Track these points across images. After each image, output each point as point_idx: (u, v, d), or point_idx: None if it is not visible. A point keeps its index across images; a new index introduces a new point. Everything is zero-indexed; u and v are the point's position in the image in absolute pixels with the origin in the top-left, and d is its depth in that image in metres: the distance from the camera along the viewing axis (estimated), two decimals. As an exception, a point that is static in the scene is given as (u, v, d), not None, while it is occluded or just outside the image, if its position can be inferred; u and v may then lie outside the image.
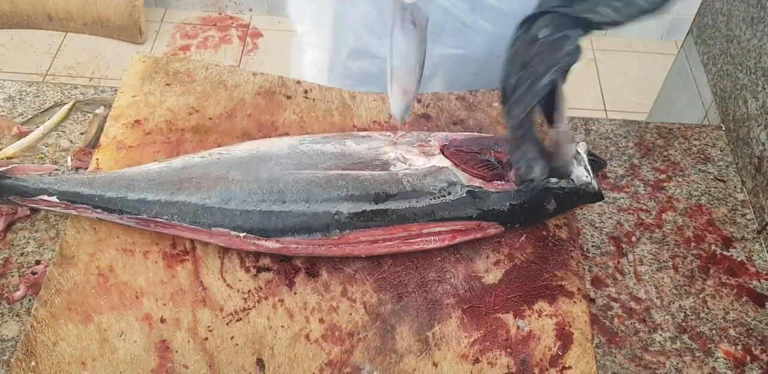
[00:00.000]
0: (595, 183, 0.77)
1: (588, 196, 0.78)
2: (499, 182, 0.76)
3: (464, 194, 0.74)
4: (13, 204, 0.77)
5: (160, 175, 0.76)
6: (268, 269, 0.76)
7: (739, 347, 0.77)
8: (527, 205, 0.76)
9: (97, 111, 0.98)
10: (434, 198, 0.74)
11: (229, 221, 0.73)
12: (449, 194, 0.74)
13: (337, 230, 0.72)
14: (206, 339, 0.71)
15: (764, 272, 0.84)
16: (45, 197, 0.75)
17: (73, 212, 0.76)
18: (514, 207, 0.75)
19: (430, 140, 0.80)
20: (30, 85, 1.01)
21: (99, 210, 0.75)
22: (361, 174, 0.75)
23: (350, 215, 0.73)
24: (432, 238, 0.75)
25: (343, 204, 0.73)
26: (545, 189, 0.75)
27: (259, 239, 0.73)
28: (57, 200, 0.75)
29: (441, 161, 0.77)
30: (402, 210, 0.73)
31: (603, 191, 0.80)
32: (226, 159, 0.77)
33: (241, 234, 0.73)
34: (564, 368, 0.70)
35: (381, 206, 0.73)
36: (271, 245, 0.73)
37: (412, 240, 0.75)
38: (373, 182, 0.74)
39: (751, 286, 0.82)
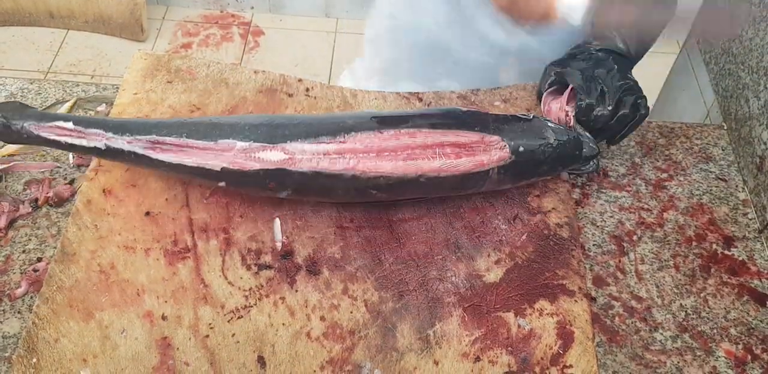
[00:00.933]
0: (589, 136, 0.83)
1: (583, 144, 0.82)
2: (492, 111, 0.82)
3: (464, 114, 0.79)
4: (24, 137, 0.77)
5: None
6: (269, 267, 0.76)
7: (740, 346, 0.77)
8: (525, 126, 0.79)
9: (99, 108, 0.98)
10: (436, 115, 0.78)
11: (236, 132, 0.73)
12: (449, 113, 0.79)
13: (342, 133, 0.73)
14: (207, 336, 0.71)
15: (765, 271, 0.84)
16: (60, 122, 0.75)
17: (84, 141, 0.75)
18: (513, 125, 0.78)
19: None
20: (32, 83, 1.01)
21: (110, 134, 0.74)
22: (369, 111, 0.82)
23: (355, 122, 0.75)
24: (436, 150, 0.74)
25: (348, 117, 0.76)
26: (543, 119, 0.82)
27: (264, 150, 0.72)
28: (72, 126, 0.75)
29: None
30: (405, 119, 0.76)
31: (604, 189, 0.80)
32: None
33: (247, 143, 0.72)
34: (565, 366, 0.70)
35: (386, 115, 0.76)
36: (275, 157, 0.72)
37: (416, 153, 0.73)
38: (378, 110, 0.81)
39: (752, 285, 0.82)
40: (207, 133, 0.74)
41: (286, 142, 0.72)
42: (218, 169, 0.73)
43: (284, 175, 0.72)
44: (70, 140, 0.76)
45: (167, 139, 0.74)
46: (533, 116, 0.81)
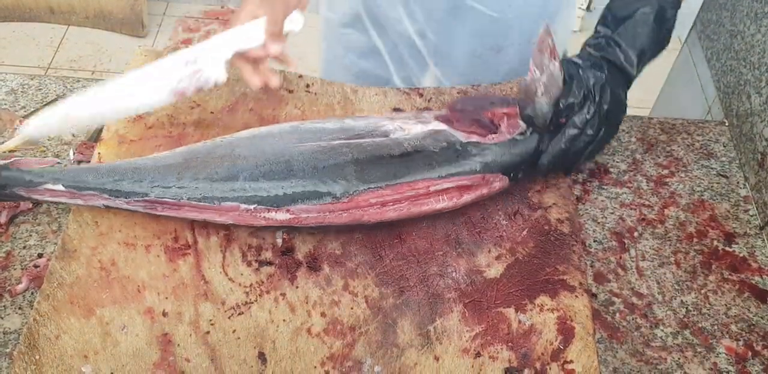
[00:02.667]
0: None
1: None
2: (493, 135, 0.79)
3: (464, 149, 0.77)
4: (17, 198, 0.76)
5: (165, 158, 0.76)
6: (269, 263, 0.76)
7: (741, 342, 0.77)
8: (524, 150, 0.79)
9: (99, 105, 0.98)
10: (436, 155, 0.76)
11: (238, 194, 0.73)
12: (450, 150, 0.77)
13: (346, 193, 0.73)
14: (208, 332, 0.71)
15: (766, 267, 0.84)
16: (50, 185, 0.74)
17: (80, 200, 0.75)
18: (513, 154, 0.79)
19: (425, 115, 0.83)
20: (32, 79, 1.01)
21: (106, 196, 0.74)
22: (364, 141, 0.77)
23: (357, 176, 0.74)
24: (440, 197, 0.76)
25: (349, 167, 0.74)
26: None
27: (269, 211, 0.73)
28: (63, 188, 0.74)
29: (438, 126, 0.80)
30: (407, 168, 0.75)
31: (605, 186, 0.80)
32: (229, 140, 0.78)
33: (251, 206, 0.73)
34: (565, 362, 0.70)
35: (386, 166, 0.75)
36: (281, 216, 0.73)
37: (420, 201, 0.75)
38: (375, 146, 0.76)
39: (753, 282, 0.82)
40: (205, 194, 0.73)
41: (290, 204, 0.73)
42: (225, 223, 0.75)
43: (291, 227, 0.75)
44: (65, 200, 0.75)
45: (166, 199, 0.73)
46: (529, 130, 0.80)
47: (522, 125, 0.81)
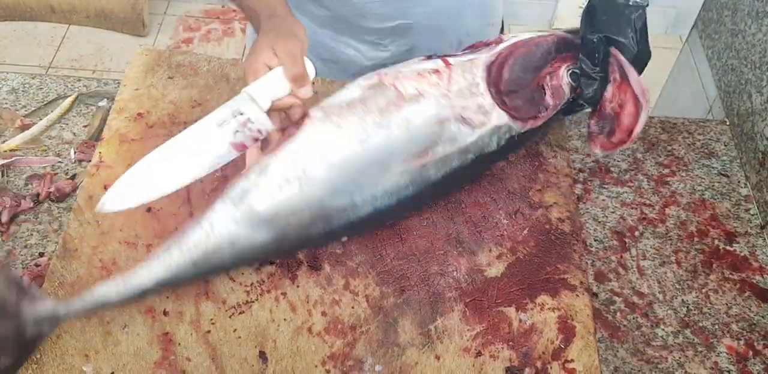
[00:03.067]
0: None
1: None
2: (542, 115, 0.79)
3: (520, 138, 0.79)
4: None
5: (252, 221, 0.71)
6: (270, 263, 0.76)
7: (742, 342, 0.77)
8: (561, 115, 0.82)
9: (100, 104, 0.98)
10: (496, 155, 0.79)
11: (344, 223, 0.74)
12: (509, 144, 0.78)
13: (424, 210, 0.81)
14: (209, 331, 0.71)
15: (767, 267, 0.84)
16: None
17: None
18: (548, 123, 0.81)
19: (479, 84, 0.77)
20: (33, 78, 1.01)
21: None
22: (435, 160, 0.75)
23: (433, 198, 0.81)
24: None
25: (427, 192, 0.76)
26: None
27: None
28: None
29: (500, 119, 0.76)
30: (472, 174, 0.82)
31: (606, 185, 0.80)
32: (308, 191, 0.72)
33: (344, 239, 0.78)
34: (566, 361, 0.70)
35: (456, 179, 0.78)
36: None
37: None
38: (447, 161, 0.75)
39: (754, 281, 0.82)
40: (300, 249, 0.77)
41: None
42: None
43: None
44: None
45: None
46: (572, 96, 0.79)
47: (565, 91, 0.79)
